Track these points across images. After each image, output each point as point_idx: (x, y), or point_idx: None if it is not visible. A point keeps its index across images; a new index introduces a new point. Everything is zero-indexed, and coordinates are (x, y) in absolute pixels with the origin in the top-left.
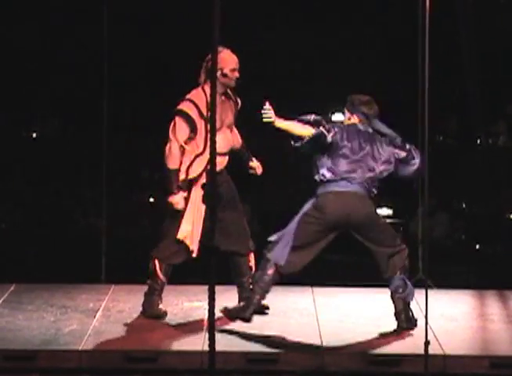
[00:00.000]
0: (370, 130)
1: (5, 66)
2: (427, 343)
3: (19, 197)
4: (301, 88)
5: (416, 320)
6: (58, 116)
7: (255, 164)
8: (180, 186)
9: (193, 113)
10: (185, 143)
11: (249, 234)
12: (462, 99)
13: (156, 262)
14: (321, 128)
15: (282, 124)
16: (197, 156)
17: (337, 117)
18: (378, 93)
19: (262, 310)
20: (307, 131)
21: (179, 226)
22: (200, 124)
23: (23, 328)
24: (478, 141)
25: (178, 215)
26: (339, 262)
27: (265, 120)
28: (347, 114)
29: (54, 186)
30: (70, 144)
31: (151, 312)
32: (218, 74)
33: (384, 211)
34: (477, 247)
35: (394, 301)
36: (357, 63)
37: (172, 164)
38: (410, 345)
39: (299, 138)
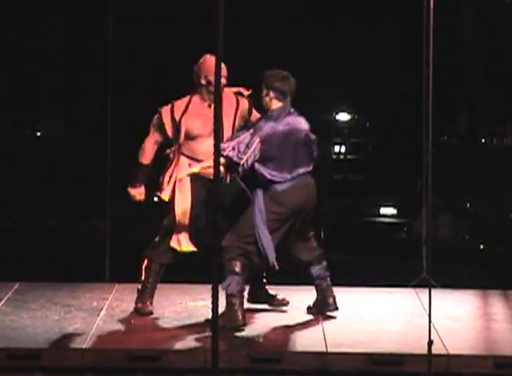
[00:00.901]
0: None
1: (9, 66)
2: (430, 343)
3: (23, 195)
4: (304, 88)
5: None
6: (62, 116)
7: None
8: (142, 181)
9: (166, 117)
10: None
11: None
12: (467, 99)
13: (146, 260)
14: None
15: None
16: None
17: (342, 116)
18: (382, 94)
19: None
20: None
21: (170, 229)
22: (171, 131)
23: (27, 327)
24: (483, 141)
25: (170, 215)
26: (342, 262)
27: None
28: (264, 91)
29: (58, 185)
30: (75, 144)
31: (139, 309)
32: (204, 81)
33: (388, 211)
34: (482, 247)
35: (322, 288)
36: (361, 63)
37: (143, 158)
38: (414, 344)
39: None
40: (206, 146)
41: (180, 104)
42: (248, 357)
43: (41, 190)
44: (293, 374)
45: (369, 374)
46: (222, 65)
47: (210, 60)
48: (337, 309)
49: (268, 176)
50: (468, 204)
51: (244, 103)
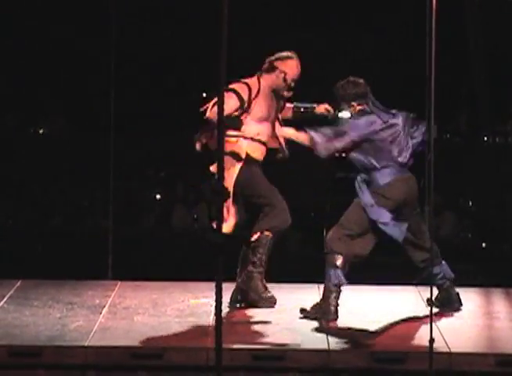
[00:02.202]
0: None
1: (11, 65)
2: (432, 341)
3: (26, 194)
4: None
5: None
6: (64, 114)
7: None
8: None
9: (244, 95)
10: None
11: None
12: (470, 97)
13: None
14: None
15: (294, 136)
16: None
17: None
18: (383, 92)
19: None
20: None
21: None
22: (251, 105)
23: (29, 324)
24: (485, 139)
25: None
26: None
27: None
28: (345, 105)
29: (61, 183)
30: (77, 143)
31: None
32: (280, 76)
33: None
34: (484, 245)
35: (445, 288)
36: (362, 62)
37: (213, 115)
38: (416, 342)
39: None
40: (265, 127)
41: (253, 84)
42: (250, 355)
43: (43, 188)
44: (296, 372)
45: (370, 372)
46: (299, 70)
47: (294, 62)
48: (461, 305)
49: (370, 165)
50: (471, 203)
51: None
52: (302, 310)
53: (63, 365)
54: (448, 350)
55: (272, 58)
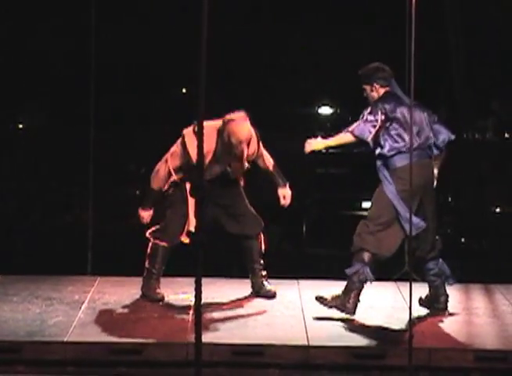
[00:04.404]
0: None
1: None
2: (411, 336)
3: (5, 188)
4: (287, 83)
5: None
6: (45, 110)
7: (283, 193)
8: (152, 205)
9: (191, 142)
10: (174, 171)
11: (256, 215)
12: (449, 93)
13: (158, 243)
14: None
15: (326, 143)
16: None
17: (324, 110)
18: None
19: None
20: (345, 138)
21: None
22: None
23: (8, 319)
24: (464, 136)
25: (184, 205)
26: (324, 256)
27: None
28: (368, 88)
29: (41, 178)
30: (57, 137)
31: (149, 295)
32: (226, 137)
33: (369, 205)
34: (463, 241)
35: (436, 285)
36: (344, 60)
37: (156, 184)
38: (395, 338)
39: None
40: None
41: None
42: (230, 350)
43: (22, 183)
44: (275, 368)
45: (350, 368)
46: (249, 131)
47: (241, 125)
48: (446, 308)
49: (387, 152)
50: (450, 199)
51: (254, 141)
52: (319, 298)
53: (43, 361)
54: (427, 346)
55: (225, 118)
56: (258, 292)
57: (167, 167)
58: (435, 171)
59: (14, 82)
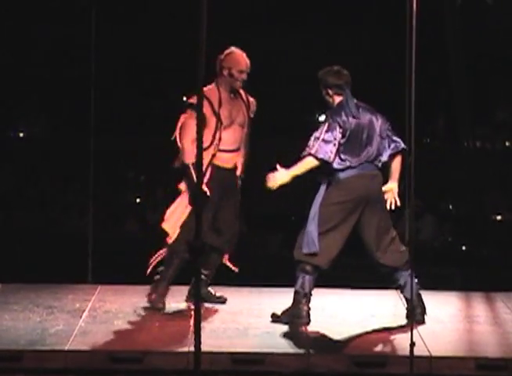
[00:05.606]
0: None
1: None
2: (412, 344)
3: (5, 196)
4: (286, 89)
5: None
6: (45, 117)
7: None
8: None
9: (206, 109)
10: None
11: (236, 234)
12: (449, 101)
13: (171, 253)
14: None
15: (291, 173)
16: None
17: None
18: (364, 95)
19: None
20: (310, 163)
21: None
22: (211, 120)
23: (9, 328)
24: (465, 143)
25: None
26: None
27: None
28: (323, 91)
29: (41, 186)
30: (57, 145)
31: (155, 302)
32: (226, 72)
33: None
34: (464, 248)
35: (408, 298)
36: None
37: (188, 158)
38: (396, 346)
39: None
40: (229, 135)
41: (213, 94)
42: (230, 359)
43: (23, 191)
44: None
45: None
46: (245, 60)
47: (235, 54)
48: (423, 321)
49: (336, 166)
50: (451, 206)
51: (253, 104)
52: (273, 315)
53: (43, 369)
54: (428, 354)
55: (221, 55)
56: (208, 300)
57: (188, 136)
58: (394, 183)
59: (14, 90)
